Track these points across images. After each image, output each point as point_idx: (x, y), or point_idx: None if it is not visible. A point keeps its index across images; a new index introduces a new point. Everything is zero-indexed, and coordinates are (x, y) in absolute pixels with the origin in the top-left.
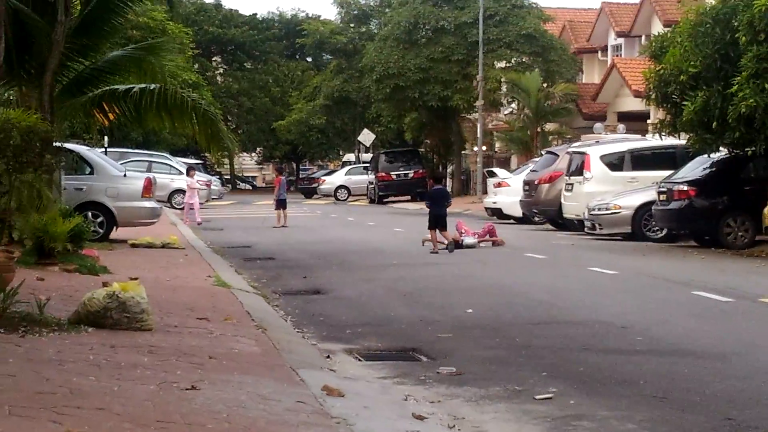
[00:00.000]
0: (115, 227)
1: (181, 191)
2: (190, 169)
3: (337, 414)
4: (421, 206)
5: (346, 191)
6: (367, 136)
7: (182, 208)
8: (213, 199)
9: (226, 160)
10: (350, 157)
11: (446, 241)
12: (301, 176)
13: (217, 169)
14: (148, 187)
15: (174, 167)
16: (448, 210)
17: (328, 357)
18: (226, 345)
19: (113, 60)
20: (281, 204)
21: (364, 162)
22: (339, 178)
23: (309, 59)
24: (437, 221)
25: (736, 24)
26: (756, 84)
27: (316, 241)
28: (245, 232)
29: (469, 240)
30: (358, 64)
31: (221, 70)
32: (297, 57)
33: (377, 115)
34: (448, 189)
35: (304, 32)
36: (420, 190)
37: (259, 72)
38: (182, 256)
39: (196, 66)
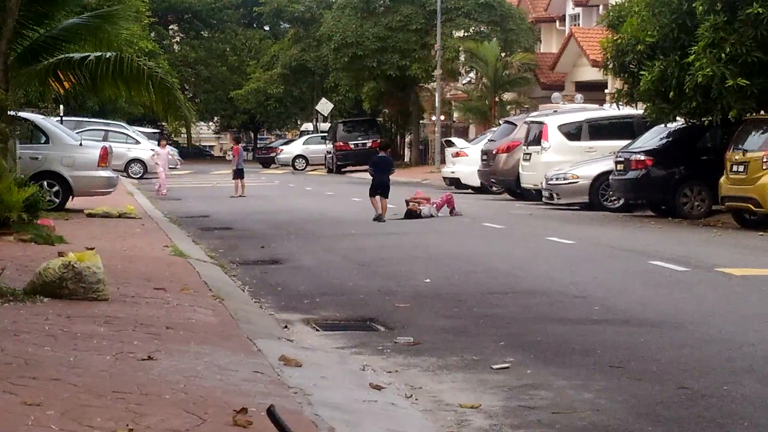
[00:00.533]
0: (71, 197)
1: (138, 160)
2: (162, 139)
3: (295, 384)
4: None
5: (304, 161)
6: (325, 106)
7: (140, 177)
8: (170, 168)
9: (184, 130)
10: (308, 126)
11: (379, 210)
12: (258, 146)
13: (174, 139)
14: (105, 157)
15: (131, 136)
16: (392, 178)
17: (286, 327)
18: (183, 315)
19: (69, 28)
20: (239, 174)
21: (322, 131)
22: (297, 147)
23: (266, 28)
24: (379, 188)
25: None
26: (713, 53)
27: (273, 210)
28: (203, 202)
29: (426, 210)
30: (316, 33)
31: (178, 39)
32: (254, 25)
33: (335, 85)
34: (406, 159)
35: (262, 0)
36: None
37: (216, 40)
38: (139, 225)
39: (153, 34)
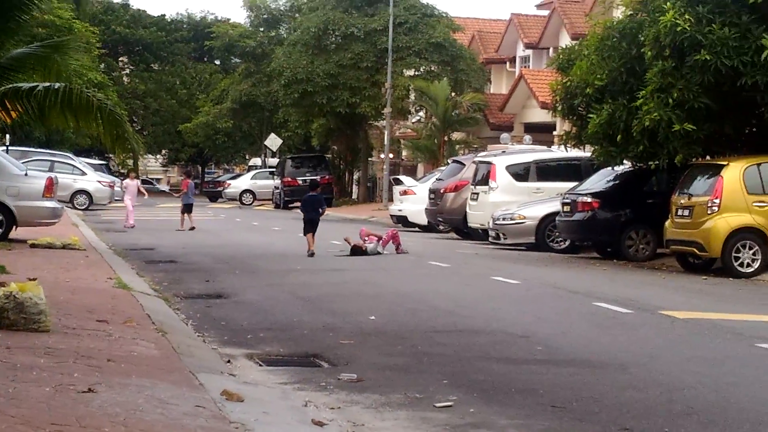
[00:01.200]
0: (14, 227)
1: (84, 192)
2: (130, 172)
3: (236, 419)
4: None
5: (251, 195)
6: (273, 141)
7: (85, 209)
8: (116, 200)
9: (131, 162)
10: (256, 161)
11: (310, 248)
12: (206, 179)
13: (121, 171)
14: (50, 187)
15: (77, 167)
16: (340, 215)
17: (229, 362)
18: (125, 348)
19: (17, 57)
20: (188, 208)
21: (270, 167)
22: (245, 182)
23: (217, 62)
24: (309, 225)
25: (642, 39)
26: (660, 98)
27: (219, 244)
28: (148, 234)
29: (372, 246)
30: (267, 69)
31: (128, 71)
32: (205, 59)
33: (284, 120)
34: (354, 196)
35: (213, 35)
36: (327, 197)
37: (167, 73)
38: (83, 257)
39: (103, 66)
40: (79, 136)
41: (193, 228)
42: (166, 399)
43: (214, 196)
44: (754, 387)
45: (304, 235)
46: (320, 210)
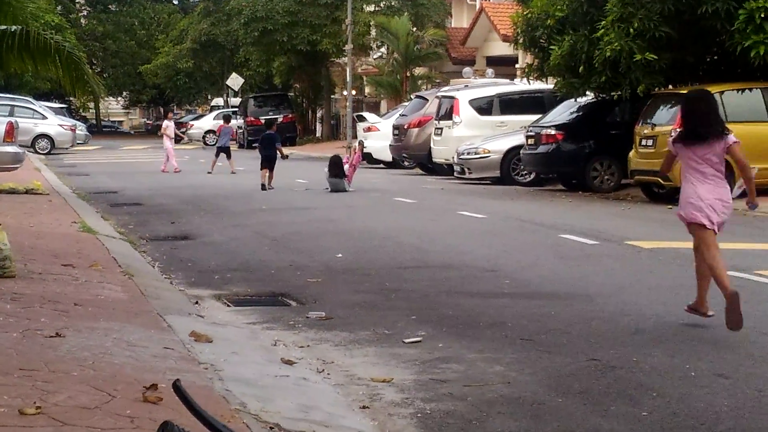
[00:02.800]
0: None
1: (45, 136)
2: (169, 112)
3: (205, 360)
4: (291, 151)
5: (214, 136)
6: (235, 81)
7: (47, 153)
8: (78, 144)
9: (92, 105)
10: (219, 101)
11: (264, 181)
12: None
13: (82, 114)
14: (10, 132)
15: (38, 111)
16: (305, 153)
17: (197, 303)
18: (91, 291)
19: None
20: (223, 151)
21: (233, 106)
22: (207, 122)
23: (175, 2)
24: (266, 162)
25: None
26: (621, 28)
27: (184, 186)
28: (112, 178)
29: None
30: (226, 7)
31: (85, 13)
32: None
33: (246, 59)
34: (318, 134)
35: None
36: (290, 135)
37: (125, 14)
38: (46, 202)
39: (59, 8)
40: (39, 80)
41: (233, 172)
42: (134, 342)
43: (177, 138)
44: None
45: (261, 170)
46: (277, 147)
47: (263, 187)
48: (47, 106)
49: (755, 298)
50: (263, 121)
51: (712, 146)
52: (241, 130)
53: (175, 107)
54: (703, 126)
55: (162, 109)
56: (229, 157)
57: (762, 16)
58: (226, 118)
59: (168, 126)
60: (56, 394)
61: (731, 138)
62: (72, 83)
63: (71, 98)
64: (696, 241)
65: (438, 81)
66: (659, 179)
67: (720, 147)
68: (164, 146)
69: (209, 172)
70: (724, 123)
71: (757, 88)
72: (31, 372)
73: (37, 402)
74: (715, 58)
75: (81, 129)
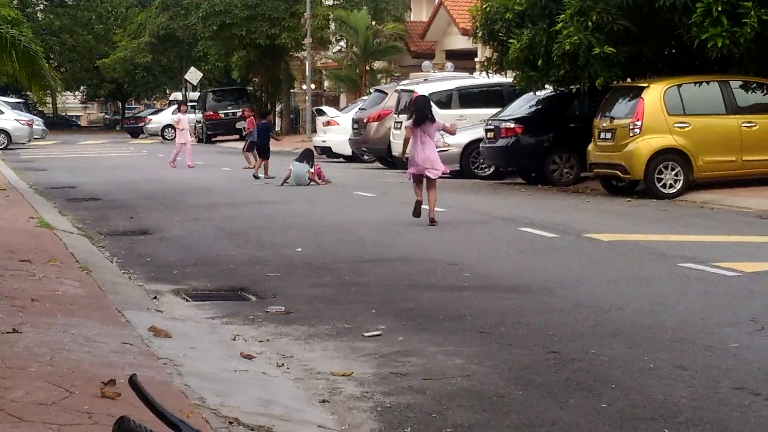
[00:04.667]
0: None
1: (2, 131)
2: (181, 104)
3: (164, 355)
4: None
5: (173, 130)
6: (194, 75)
7: (3, 148)
8: (35, 138)
9: (49, 100)
10: (177, 95)
11: (257, 171)
12: (126, 116)
13: (40, 108)
14: None
15: None
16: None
17: (155, 298)
18: (49, 287)
19: None
20: (253, 147)
21: (191, 101)
22: (166, 117)
23: None
24: (262, 151)
25: None
26: (579, 22)
27: (142, 180)
28: (70, 173)
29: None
30: (184, 1)
31: (41, 6)
32: None
33: (204, 53)
34: (277, 128)
35: None
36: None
37: (82, 8)
38: (3, 197)
39: (15, 2)
40: None
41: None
42: (92, 337)
43: (136, 132)
44: (678, 307)
45: (260, 158)
46: (271, 136)
47: (256, 177)
48: (4, 101)
49: (713, 290)
50: (221, 116)
51: (428, 126)
52: (200, 125)
53: (133, 101)
54: (422, 113)
55: (120, 104)
56: (264, 155)
57: (719, 9)
58: (263, 114)
59: (181, 120)
60: (13, 390)
61: (439, 122)
62: (28, 78)
63: (28, 93)
64: (419, 184)
65: (397, 75)
66: (618, 172)
67: (433, 126)
68: (176, 141)
69: (245, 167)
70: (432, 113)
71: (714, 81)
72: None
73: None
74: (673, 51)
75: (38, 124)
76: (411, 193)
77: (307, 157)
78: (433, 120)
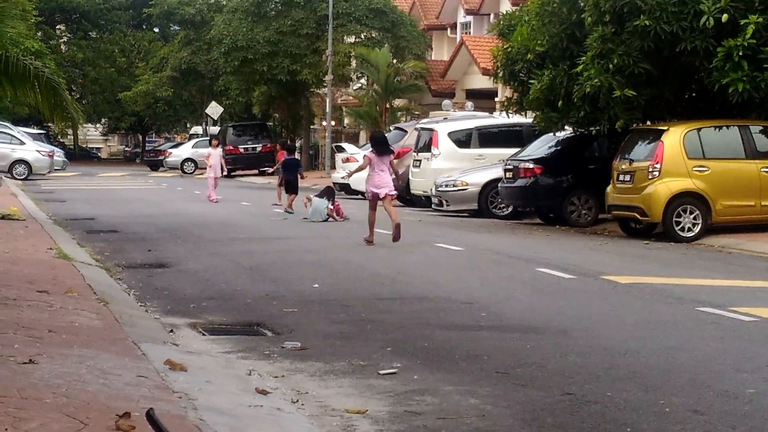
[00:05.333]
0: None
1: (23, 161)
2: (213, 138)
3: (180, 388)
4: (269, 180)
5: (193, 164)
6: (214, 109)
7: (24, 179)
8: (56, 170)
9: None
10: (197, 129)
11: (286, 205)
12: (147, 149)
13: (60, 140)
14: None
15: (15, 137)
16: (268, 182)
17: (172, 331)
18: (66, 318)
19: None
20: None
21: (211, 135)
22: (186, 150)
23: (156, 30)
24: (290, 186)
25: (582, 4)
26: (600, 64)
27: (161, 214)
28: (89, 204)
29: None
30: (207, 36)
31: (65, 39)
32: (144, 27)
33: (225, 88)
34: None
35: (152, 2)
36: (268, 164)
37: (105, 41)
38: (23, 227)
39: (40, 34)
40: (17, 106)
41: (287, 210)
42: (108, 369)
43: (156, 165)
44: (694, 351)
45: (286, 192)
46: (299, 172)
47: (287, 211)
48: (25, 132)
49: (730, 335)
50: (241, 150)
51: (386, 157)
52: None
53: (154, 134)
54: (384, 147)
55: (140, 136)
56: (291, 191)
57: (740, 54)
58: (290, 149)
59: (212, 154)
60: (28, 422)
61: (391, 156)
62: (50, 109)
63: (50, 124)
64: (374, 204)
65: (417, 113)
66: (636, 215)
67: (389, 158)
68: (207, 175)
69: (274, 203)
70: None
71: (734, 126)
72: (3, 399)
73: (8, 429)
74: (694, 94)
75: (59, 155)
76: (430, 230)
77: (327, 193)
78: (390, 153)
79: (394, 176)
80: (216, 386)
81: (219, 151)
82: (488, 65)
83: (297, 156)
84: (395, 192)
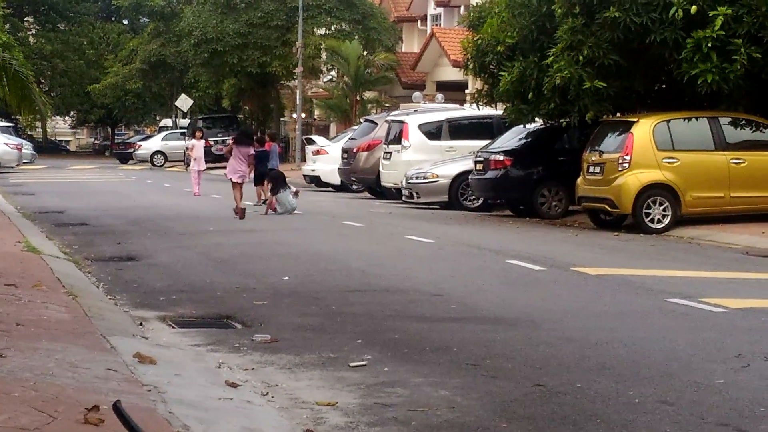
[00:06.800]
0: None
1: None
2: (197, 130)
3: (149, 381)
4: None
5: (162, 157)
6: (184, 102)
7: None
8: (24, 163)
9: (39, 124)
10: (167, 122)
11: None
12: (116, 141)
13: (29, 133)
14: None
15: None
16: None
17: (141, 324)
18: (34, 312)
19: None
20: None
21: (181, 127)
22: (155, 143)
23: (125, 22)
24: (258, 179)
25: None
26: (570, 56)
27: (130, 206)
28: (58, 197)
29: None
30: (176, 28)
31: (33, 31)
32: (113, 19)
33: (195, 80)
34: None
35: None
36: None
37: (74, 34)
38: None
39: (7, 26)
40: None
41: (264, 202)
42: (77, 363)
43: (125, 158)
44: (664, 341)
45: (255, 185)
46: (268, 164)
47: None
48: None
49: (699, 325)
50: (211, 143)
51: (245, 148)
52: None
53: (123, 127)
54: (244, 140)
55: (109, 129)
56: (260, 183)
57: (709, 45)
58: (272, 136)
59: (195, 146)
60: None
61: (250, 149)
62: (18, 102)
63: (18, 117)
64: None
65: (388, 105)
66: (606, 206)
67: (247, 150)
68: (191, 168)
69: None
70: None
71: (703, 117)
72: None
73: None
74: (663, 86)
75: (27, 148)
76: (400, 222)
77: (280, 183)
78: (247, 145)
79: (249, 167)
80: (185, 379)
81: (203, 143)
82: (459, 57)
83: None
84: (244, 180)
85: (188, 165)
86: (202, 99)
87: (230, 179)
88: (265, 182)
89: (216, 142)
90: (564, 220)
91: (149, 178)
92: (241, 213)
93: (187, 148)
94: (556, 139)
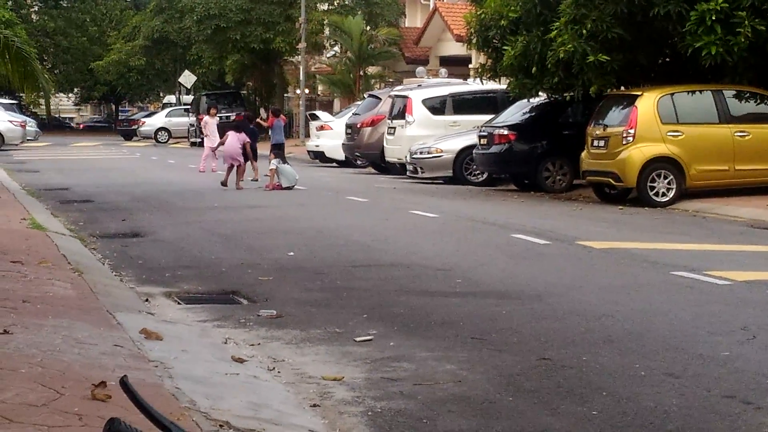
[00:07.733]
0: None
1: None
2: (212, 107)
3: (155, 357)
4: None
5: (166, 133)
6: (187, 78)
7: None
8: (28, 140)
9: (42, 101)
10: (171, 98)
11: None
12: (120, 118)
13: (33, 110)
14: None
15: None
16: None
17: (147, 300)
18: (40, 288)
19: None
20: (274, 147)
21: (185, 104)
22: (159, 120)
23: None
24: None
25: None
26: (574, 30)
27: (135, 183)
28: (62, 174)
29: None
30: (179, 4)
31: (36, 8)
32: None
33: (198, 57)
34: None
35: None
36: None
37: (76, 10)
38: None
39: (10, 3)
40: None
41: (255, 179)
42: (83, 339)
43: (129, 135)
44: (669, 314)
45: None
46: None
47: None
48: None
49: (704, 298)
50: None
51: (237, 134)
52: (193, 128)
53: (127, 104)
54: (245, 125)
55: (113, 106)
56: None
57: (713, 18)
58: (276, 112)
59: (208, 123)
60: (4, 392)
61: (244, 136)
62: (21, 79)
63: (21, 94)
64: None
65: (391, 80)
66: (611, 180)
67: (241, 136)
68: (205, 145)
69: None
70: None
71: (707, 90)
72: None
73: None
74: (667, 59)
75: (31, 125)
76: (405, 197)
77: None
78: (241, 131)
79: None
80: (192, 355)
81: (216, 119)
82: (462, 32)
83: (272, 124)
84: (239, 161)
85: (193, 142)
86: (205, 75)
87: (229, 164)
88: (270, 154)
89: (220, 118)
90: (568, 194)
91: (153, 154)
92: (223, 184)
93: (191, 125)
94: (560, 113)
